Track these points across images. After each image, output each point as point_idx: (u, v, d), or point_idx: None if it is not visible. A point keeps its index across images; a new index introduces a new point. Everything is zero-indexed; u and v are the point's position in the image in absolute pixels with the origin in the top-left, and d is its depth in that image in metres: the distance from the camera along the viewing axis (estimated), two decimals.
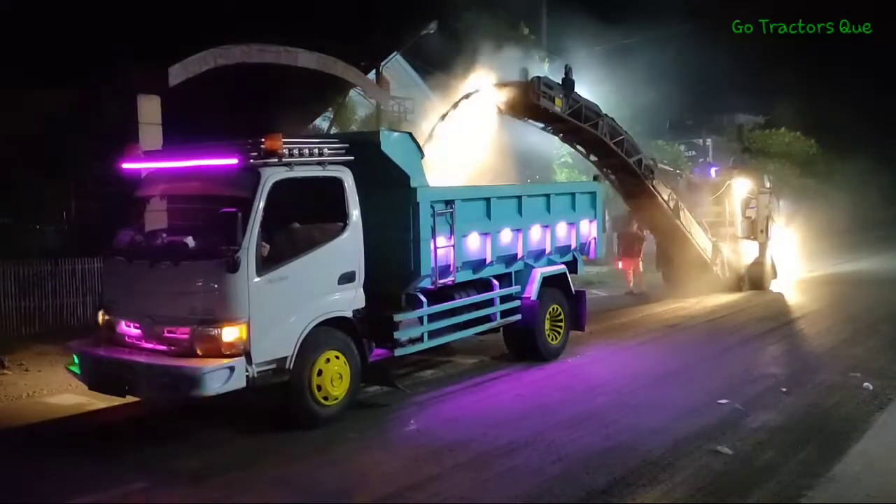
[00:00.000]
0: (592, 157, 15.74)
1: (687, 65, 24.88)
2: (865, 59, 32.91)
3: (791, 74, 34.71)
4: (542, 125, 14.55)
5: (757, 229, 18.06)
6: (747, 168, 18.98)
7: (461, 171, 11.71)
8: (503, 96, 12.94)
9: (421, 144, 9.31)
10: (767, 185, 19.00)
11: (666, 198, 15.97)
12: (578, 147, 15.60)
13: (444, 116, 12.46)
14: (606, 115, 14.67)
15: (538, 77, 13.11)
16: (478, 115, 12.61)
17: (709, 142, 30.75)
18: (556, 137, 15.52)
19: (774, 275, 18.47)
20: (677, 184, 17.67)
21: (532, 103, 12.98)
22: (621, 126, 15.21)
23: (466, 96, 12.67)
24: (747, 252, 18.07)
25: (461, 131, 12.26)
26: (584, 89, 14.15)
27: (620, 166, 15.56)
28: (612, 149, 14.90)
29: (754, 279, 17.90)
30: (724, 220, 17.88)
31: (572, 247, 11.42)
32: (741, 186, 18.17)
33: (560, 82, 13.47)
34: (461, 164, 11.81)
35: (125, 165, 8.50)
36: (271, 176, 7.62)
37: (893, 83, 36.74)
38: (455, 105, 12.54)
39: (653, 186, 15.72)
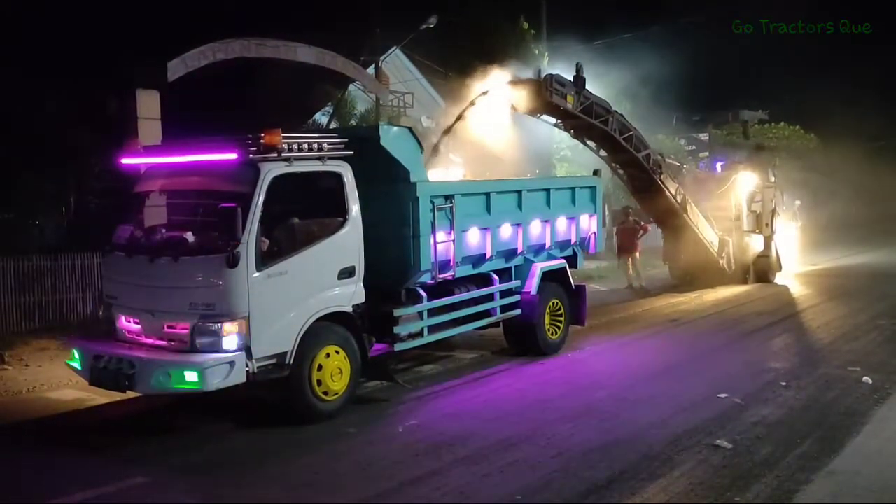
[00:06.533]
0: (602, 153, 15.90)
1: (690, 60, 24.85)
2: (866, 56, 32.87)
3: (792, 71, 34.66)
4: (553, 121, 14.84)
5: (762, 223, 18.15)
6: (752, 163, 19.00)
7: (464, 168, 11.72)
8: (516, 94, 13.11)
9: (424, 151, 9.31)
10: (772, 179, 19.03)
11: (674, 192, 16.06)
12: (589, 142, 15.71)
13: (449, 129, 12.52)
14: (616, 111, 14.85)
15: (551, 75, 13.38)
16: (487, 115, 12.65)
17: (709, 136, 30.71)
18: (567, 133, 15.68)
19: (779, 268, 18.57)
20: (684, 178, 17.74)
21: (546, 101, 13.24)
22: (630, 122, 15.30)
23: (472, 103, 12.72)
24: (753, 245, 18.11)
25: (471, 132, 12.33)
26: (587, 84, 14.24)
27: (629, 161, 15.72)
28: (621, 144, 15.05)
29: (759, 272, 17.99)
30: (730, 215, 17.92)
31: (572, 241, 11.42)
32: (746, 181, 18.21)
33: (571, 80, 13.65)
34: (466, 162, 11.84)
35: (124, 160, 8.52)
36: (271, 171, 7.62)
37: (893, 79, 36.67)
38: (460, 116, 12.61)
39: (661, 181, 15.81)
